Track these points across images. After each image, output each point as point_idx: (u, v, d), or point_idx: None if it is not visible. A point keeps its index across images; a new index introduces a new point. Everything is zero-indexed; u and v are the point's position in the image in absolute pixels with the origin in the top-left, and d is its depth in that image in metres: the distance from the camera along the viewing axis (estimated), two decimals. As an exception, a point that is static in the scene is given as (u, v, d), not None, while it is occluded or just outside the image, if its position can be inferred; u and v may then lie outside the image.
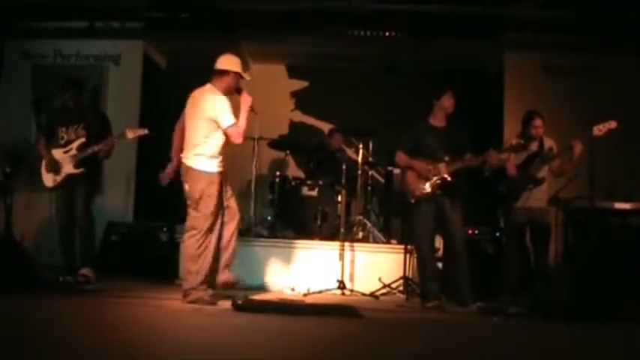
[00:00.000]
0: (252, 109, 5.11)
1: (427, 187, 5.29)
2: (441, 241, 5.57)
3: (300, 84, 9.18)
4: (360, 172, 6.88)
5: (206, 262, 4.89)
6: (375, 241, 6.73)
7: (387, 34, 7.58)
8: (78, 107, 5.96)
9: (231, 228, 5.09)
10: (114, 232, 6.99)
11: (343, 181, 6.53)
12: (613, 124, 5.33)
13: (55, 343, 3.24)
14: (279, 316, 4.52)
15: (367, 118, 8.23)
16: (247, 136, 5.41)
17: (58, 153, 5.81)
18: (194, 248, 4.89)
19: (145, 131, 5.90)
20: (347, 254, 6.26)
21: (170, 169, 5.18)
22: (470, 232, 6.40)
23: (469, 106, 5.87)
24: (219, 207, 4.99)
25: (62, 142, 5.83)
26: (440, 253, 5.62)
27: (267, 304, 5.08)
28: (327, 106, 8.82)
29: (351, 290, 5.99)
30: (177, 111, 5.20)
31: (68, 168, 5.77)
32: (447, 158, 5.30)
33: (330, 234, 6.64)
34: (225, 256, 5.06)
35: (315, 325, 4.30)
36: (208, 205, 4.90)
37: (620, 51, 7.38)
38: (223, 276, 5.05)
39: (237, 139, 4.95)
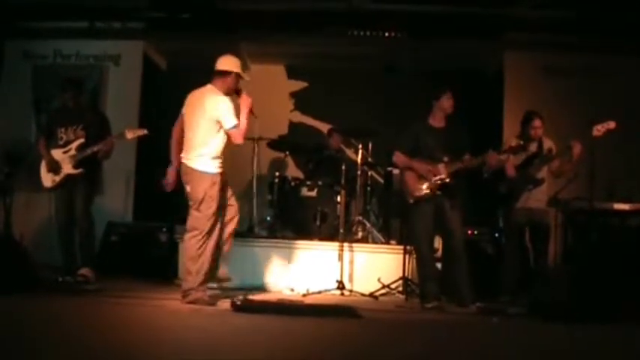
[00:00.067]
0: (251, 112, 5.12)
1: (426, 188, 5.29)
2: (441, 241, 5.57)
3: (299, 84, 9.17)
4: (359, 172, 6.87)
5: (206, 262, 4.90)
6: (375, 242, 6.73)
7: (387, 34, 7.58)
8: (77, 107, 5.96)
9: (230, 228, 5.14)
10: (113, 233, 7.00)
11: (342, 181, 6.53)
12: (612, 125, 5.33)
13: (54, 343, 3.24)
14: (279, 316, 4.52)
15: (367, 119, 8.22)
16: (247, 137, 5.41)
17: (57, 153, 5.81)
18: (194, 249, 4.90)
19: (145, 131, 5.90)
20: (346, 255, 6.27)
21: (171, 174, 5.12)
22: (469, 232, 6.41)
23: (468, 106, 5.88)
24: (220, 207, 5.00)
25: (61, 142, 5.83)
26: (439, 253, 5.62)
27: (266, 304, 5.08)
28: (327, 107, 8.81)
29: (351, 291, 5.99)
30: (177, 111, 5.19)
31: (67, 168, 5.77)
32: (446, 159, 5.30)
33: (329, 234, 6.64)
34: (220, 253, 5.10)
35: (314, 326, 4.30)
36: (210, 205, 4.90)
37: (620, 51, 7.37)
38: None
39: (239, 140, 4.98)
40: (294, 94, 9.19)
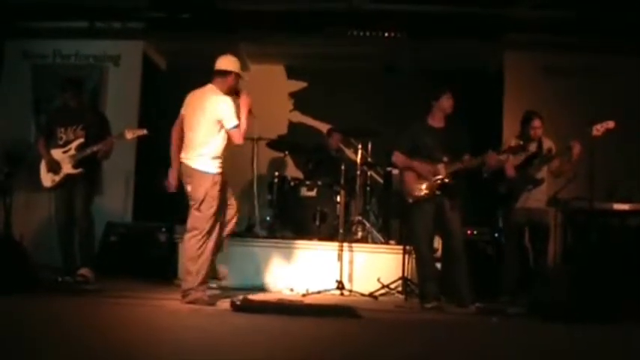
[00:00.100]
0: (250, 112, 5.12)
1: (426, 188, 5.29)
2: (440, 241, 5.57)
3: (299, 84, 9.17)
4: (359, 172, 6.87)
5: (206, 262, 4.90)
6: (374, 242, 6.73)
7: (387, 34, 7.58)
8: (77, 107, 5.96)
9: (229, 227, 5.17)
10: (113, 233, 6.99)
11: (342, 181, 6.54)
12: (611, 124, 5.33)
13: (54, 343, 3.24)
14: (278, 316, 4.52)
15: (367, 119, 8.22)
16: (246, 137, 5.41)
17: (57, 153, 5.81)
18: (194, 249, 4.89)
19: (144, 131, 5.90)
20: (346, 255, 6.27)
21: (173, 175, 5.10)
22: (469, 232, 6.41)
23: (468, 106, 5.88)
24: (221, 207, 5.00)
25: (61, 142, 5.83)
26: (439, 253, 5.62)
27: (266, 304, 5.07)
28: (326, 107, 8.81)
29: (350, 291, 5.99)
30: (177, 111, 5.19)
31: (67, 168, 5.77)
32: (445, 159, 5.30)
33: (328, 234, 6.64)
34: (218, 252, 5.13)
35: (314, 326, 4.30)
36: (211, 205, 4.90)
37: (620, 51, 7.37)
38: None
39: (240, 140, 4.99)
40: (293, 94, 9.18)
